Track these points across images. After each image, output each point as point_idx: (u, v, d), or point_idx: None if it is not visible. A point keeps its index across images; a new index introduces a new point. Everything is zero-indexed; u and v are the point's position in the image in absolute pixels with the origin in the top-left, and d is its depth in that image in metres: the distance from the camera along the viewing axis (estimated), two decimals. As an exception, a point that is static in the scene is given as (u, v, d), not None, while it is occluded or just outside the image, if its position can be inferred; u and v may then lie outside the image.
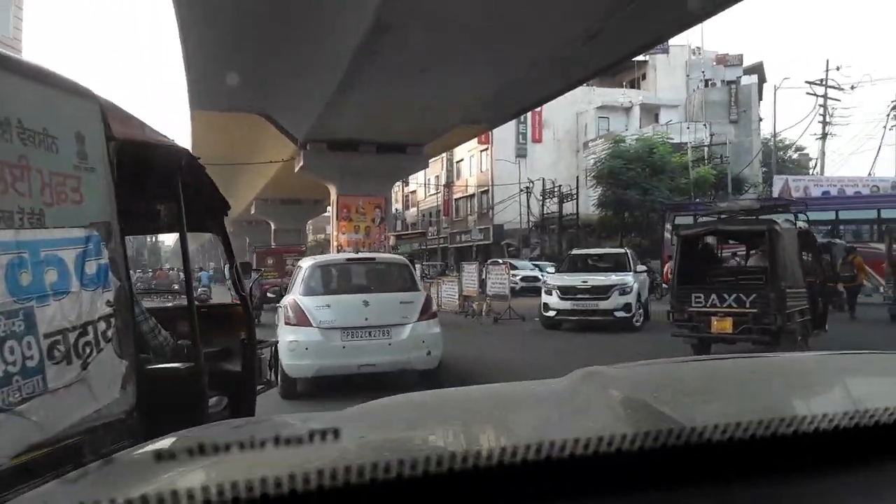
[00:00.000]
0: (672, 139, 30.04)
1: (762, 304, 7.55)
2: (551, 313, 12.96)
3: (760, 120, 38.81)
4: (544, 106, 39.86)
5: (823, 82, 28.36)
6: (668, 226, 22.26)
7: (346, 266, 7.56)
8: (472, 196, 41.34)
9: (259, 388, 3.59)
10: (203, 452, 0.67)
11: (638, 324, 12.62)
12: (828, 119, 28.69)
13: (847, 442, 0.74)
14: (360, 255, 10.58)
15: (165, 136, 2.62)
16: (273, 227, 40.74)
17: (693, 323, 8.08)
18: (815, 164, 32.42)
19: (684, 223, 21.93)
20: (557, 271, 14.98)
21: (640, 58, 43.19)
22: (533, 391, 1.23)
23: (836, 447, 0.74)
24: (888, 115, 26.27)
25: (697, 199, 26.82)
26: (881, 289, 15.42)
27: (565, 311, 12.74)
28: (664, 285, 21.59)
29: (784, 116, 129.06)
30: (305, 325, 6.21)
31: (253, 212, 40.83)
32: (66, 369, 1.79)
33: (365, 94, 18.03)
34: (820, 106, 28.40)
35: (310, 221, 44.55)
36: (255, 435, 0.81)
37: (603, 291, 12.48)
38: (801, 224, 9.64)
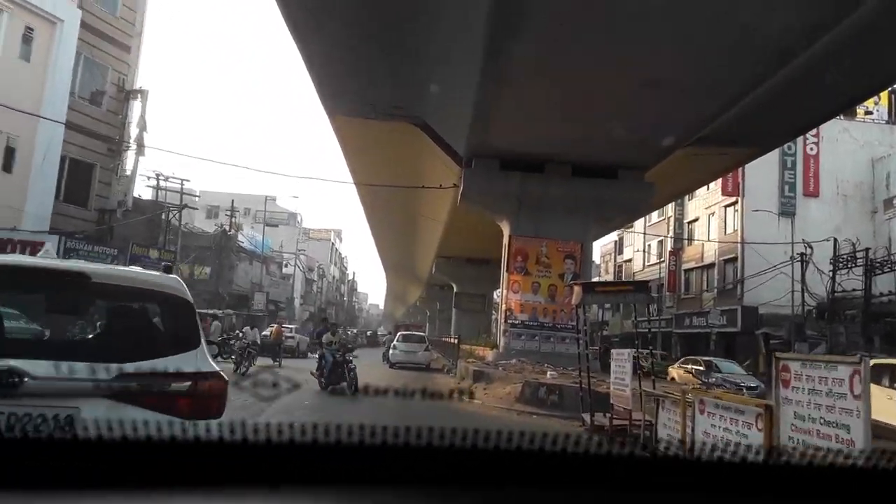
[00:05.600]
0: None
1: None
2: None
3: None
4: (820, 149, 29.32)
5: None
6: None
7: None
8: (709, 266, 31.42)
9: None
10: None
11: None
12: None
13: None
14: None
15: None
16: (455, 290, 34.87)
17: None
18: None
19: None
20: None
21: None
22: None
23: None
24: None
25: None
26: None
27: None
28: None
29: None
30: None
31: (433, 271, 35.46)
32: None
33: (531, 66, 11.14)
34: None
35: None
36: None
37: None
38: None
